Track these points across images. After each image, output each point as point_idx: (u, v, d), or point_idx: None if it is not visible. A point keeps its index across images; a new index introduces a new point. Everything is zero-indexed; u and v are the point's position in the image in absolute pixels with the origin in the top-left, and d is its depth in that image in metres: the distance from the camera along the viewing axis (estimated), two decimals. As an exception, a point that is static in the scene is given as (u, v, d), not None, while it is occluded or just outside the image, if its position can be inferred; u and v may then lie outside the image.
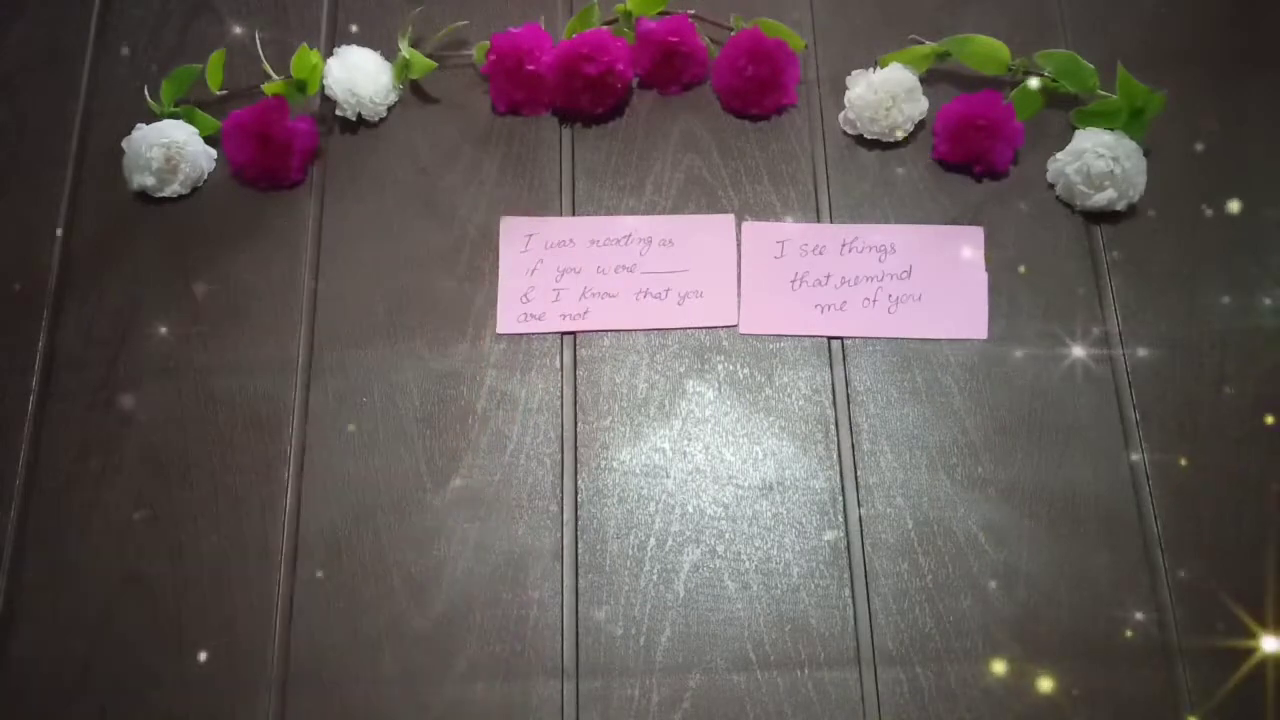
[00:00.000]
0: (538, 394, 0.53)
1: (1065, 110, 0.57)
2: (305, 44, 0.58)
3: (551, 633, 0.48)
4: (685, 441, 0.52)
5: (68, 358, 0.54)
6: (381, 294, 0.55)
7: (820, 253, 0.55)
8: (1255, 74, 0.58)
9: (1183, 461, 0.50)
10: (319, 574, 0.50)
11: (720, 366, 0.53)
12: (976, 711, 0.46)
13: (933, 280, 0.54)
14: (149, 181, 0.57)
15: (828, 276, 0.54)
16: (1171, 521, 0.49)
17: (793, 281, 0.54)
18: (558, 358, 0.54)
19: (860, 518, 0.50)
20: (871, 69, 0.57)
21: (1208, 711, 0.46)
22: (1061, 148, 0.55)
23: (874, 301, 0.54)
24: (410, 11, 0.60)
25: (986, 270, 0.54)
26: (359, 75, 0.57)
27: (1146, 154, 0.55)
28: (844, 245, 0.55)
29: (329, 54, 0.59)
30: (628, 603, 0.49)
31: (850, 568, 0.49)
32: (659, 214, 0.56)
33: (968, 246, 0.55)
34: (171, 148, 0.56)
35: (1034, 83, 0.56)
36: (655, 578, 0.49)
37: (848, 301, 0.54)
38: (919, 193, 0.56)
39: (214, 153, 0.58)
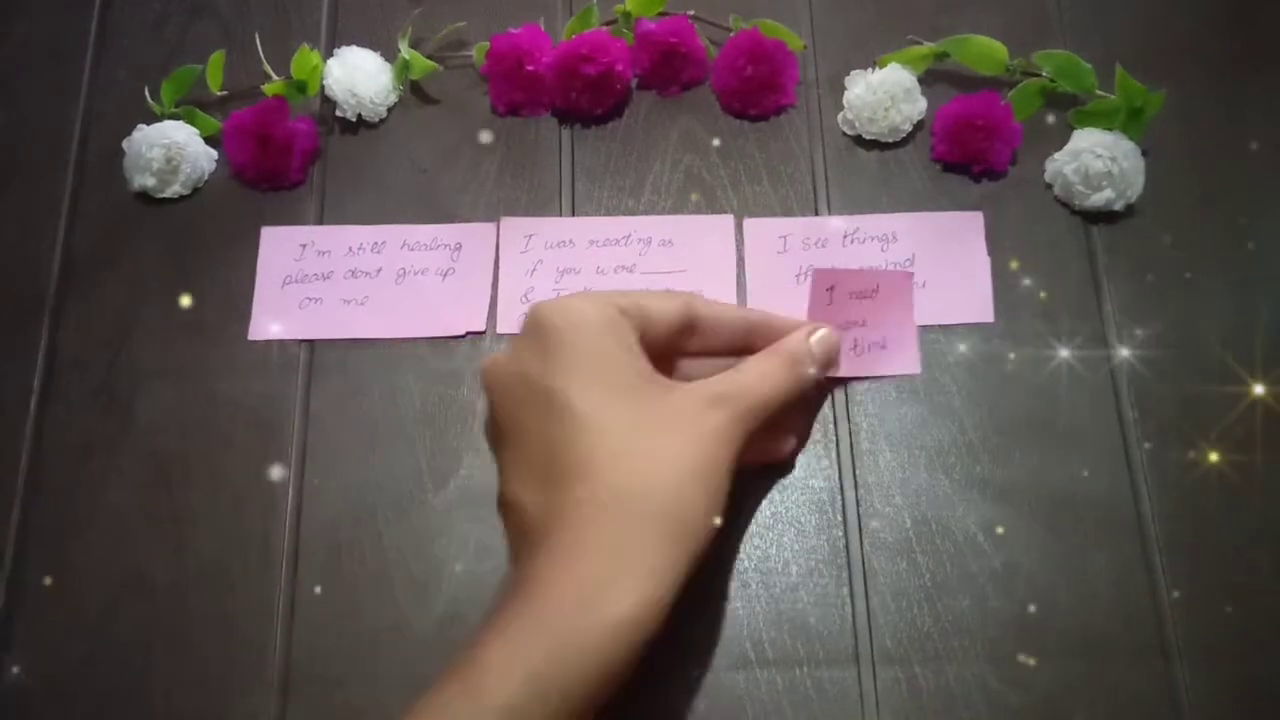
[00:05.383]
0: (537, 394, 0.53)
1: (1063, 110, 0.57)
2: (305, 44, 0.58)
3: (551, 632, 0.48)
4: (685, 441, 0.52)
5: (68, 358, 0.54)
6: (381, 294, 0.55)
7: (823, 246, 0.55)
8: (1255, 74, 0.59)
9: (1182, 461, 0.51)
10: (317, 589, 0.50)
11: (720, 366, 0.53)
12: (975, 711, 0.47)
13: (936, 267, 0.54)
14: (150, 182, 0.57)
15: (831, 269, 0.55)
16: (1171, 521, 0.49)
17: (797, 276, 0.55)
18: (557, 358, 0.54)
19: (859, 516, 0.50)
20: (870, 69, 0.57)
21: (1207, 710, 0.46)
22: (1060, 148, 0.56)
23: None
24: (410, 12, 0.60)
25: (989, 255, 0.54)
26: (359, 76, 0.58)
27: (1145, 154, 0.55)
28: (845, 237, 0.55)
29: (329, 54, 0.59)
30: (627, 602, 0.49)
31: (849, 566, 0.49)
32: (658, 214, 0.56)
33: (969, 231, 0.55)
34: (172, 148, 0.56)
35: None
36: (655, 577, 0.49)
37: None
38: (918, 192, 0.56)
39: (214, 153, 0.58)
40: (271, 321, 0.55)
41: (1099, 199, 0.54)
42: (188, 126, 0.58)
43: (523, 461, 0.40)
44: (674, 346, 0.44)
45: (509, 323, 0.54)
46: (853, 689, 0.47)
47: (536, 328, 0.41)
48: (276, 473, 0.52)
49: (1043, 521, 0.50)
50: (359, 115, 0.58)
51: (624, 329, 0.41)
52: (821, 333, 0.47)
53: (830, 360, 0.48)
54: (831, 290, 0.51)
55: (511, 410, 0.41)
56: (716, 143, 0.58)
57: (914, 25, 0.59)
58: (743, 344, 0.46)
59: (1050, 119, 0.57)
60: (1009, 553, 0.49)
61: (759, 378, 0.43)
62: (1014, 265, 0.55)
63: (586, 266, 0.55)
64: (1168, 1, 0.61)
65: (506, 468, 0.41)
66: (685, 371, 0.45)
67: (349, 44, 0.59)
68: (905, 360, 0.52)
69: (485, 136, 0.58)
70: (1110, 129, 0.55)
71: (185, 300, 0.55)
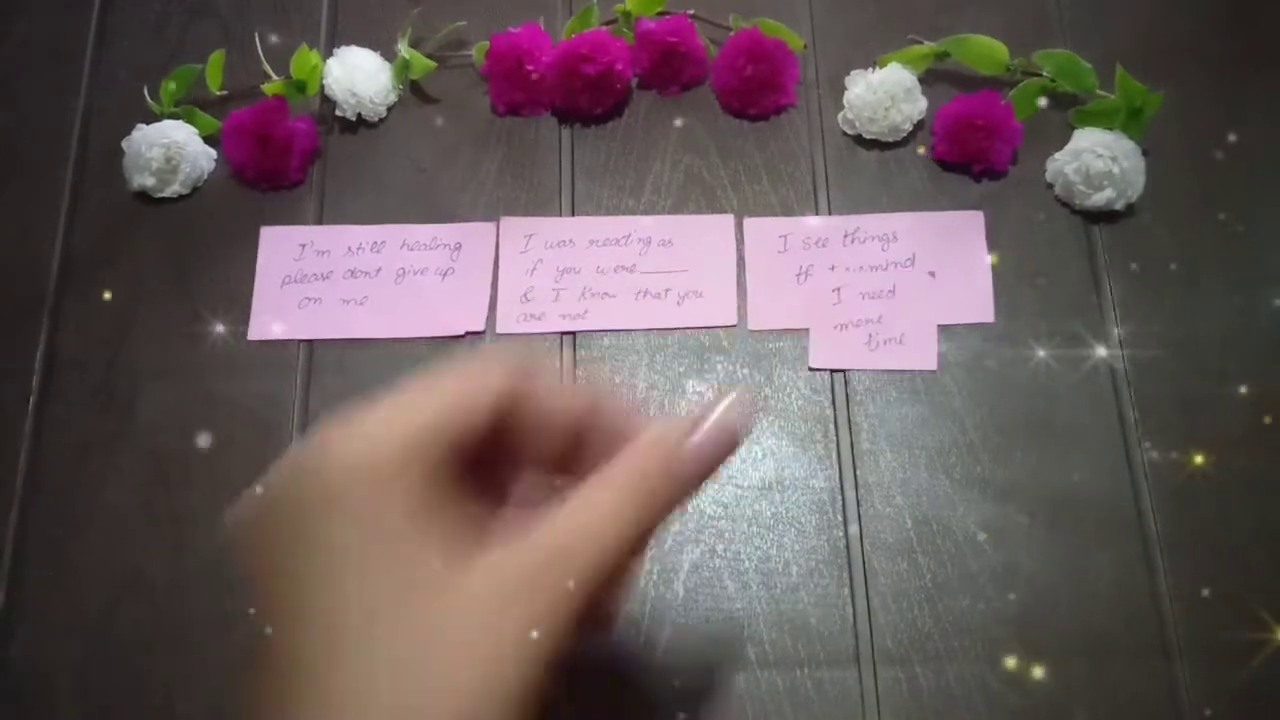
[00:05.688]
0: (537, 394, 0.53)
1: (1064, 110, 0.57)
2: (305, 44, 0.58)
3: (551, 632, 0.48)
4: (685, 441, 0.52)
5: (68, 358, 0.54)
6: (381, 294, 0.55)
7: (823, 245, 0.55)
8: (1254, 74, 0.58)
9: (1183, 461, 0.51)
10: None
11: (720, 366, 0.53)
12: (976, 711, 0.47)
13: (937, 266, 0.54)
14: (149, 181, 0.57)
15: (832, 268, 0.55)
16: (1171, 521, 0.49)
17: (797, 275, 0.55)
18: (557, 358, 0.54)
19: (860, 517, 0.50)
20: (870, 69, 0.57)
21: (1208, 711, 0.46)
22: (1060, 147, 0.56)
23: None
24: (410, 12, 0.60)
25: (990, 254, 0.54)
26: (358, 75, 0.58)
27: (1145, 154, 0.55)
28: (846, 236, 0.55)
29: (329, 54, 0.59)
30: (627, 603, 0.49)
31: (849, 567, 0.49)
32: (658, 214, 0.56)
33: (970, 231, 0.55)
34: (171, 148, 0.56)
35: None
36: (655, 577, 0.49)
37: None
38: (918, 192, 0.56)
39: (214, 153, 0.58)
40: (271, 321, 0.55)
41: (1100, 198, 0.54)
42: (187, 126, 0.58)
43: (300, 644, 0.29)
44: (504, 428, 0.32)
45: (508, 322, 0.54)
46: (853, 689, 0.47)
47: (301, 478, 0.30)
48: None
49: (1043, 521, 0.50)
50: (358, 115, 0.58)
51: (417, 470, 0.30)
52: (718, 412, 0.32)
53: (733, 445, 0.32)
54: (839, 291, 0.51)
55: (274, 586, 0.30)
56: (716, 142, 0.58)
57: (914, 25, 0.59)
58: (586, 424, 0.33)
59: (1050, 118, 0.57)
60: (1009, 553, 0.49)
61: (594, 519, 0.30)
62: (1014, 265, 0.55)
63: (586, 266, 0.55)
64: (1168, 1, 0.61)
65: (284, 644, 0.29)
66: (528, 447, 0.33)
67: (349, 44, 0.59)
68: (922, 357, 0.52)
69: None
70: (1110, 129, 0.55)
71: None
